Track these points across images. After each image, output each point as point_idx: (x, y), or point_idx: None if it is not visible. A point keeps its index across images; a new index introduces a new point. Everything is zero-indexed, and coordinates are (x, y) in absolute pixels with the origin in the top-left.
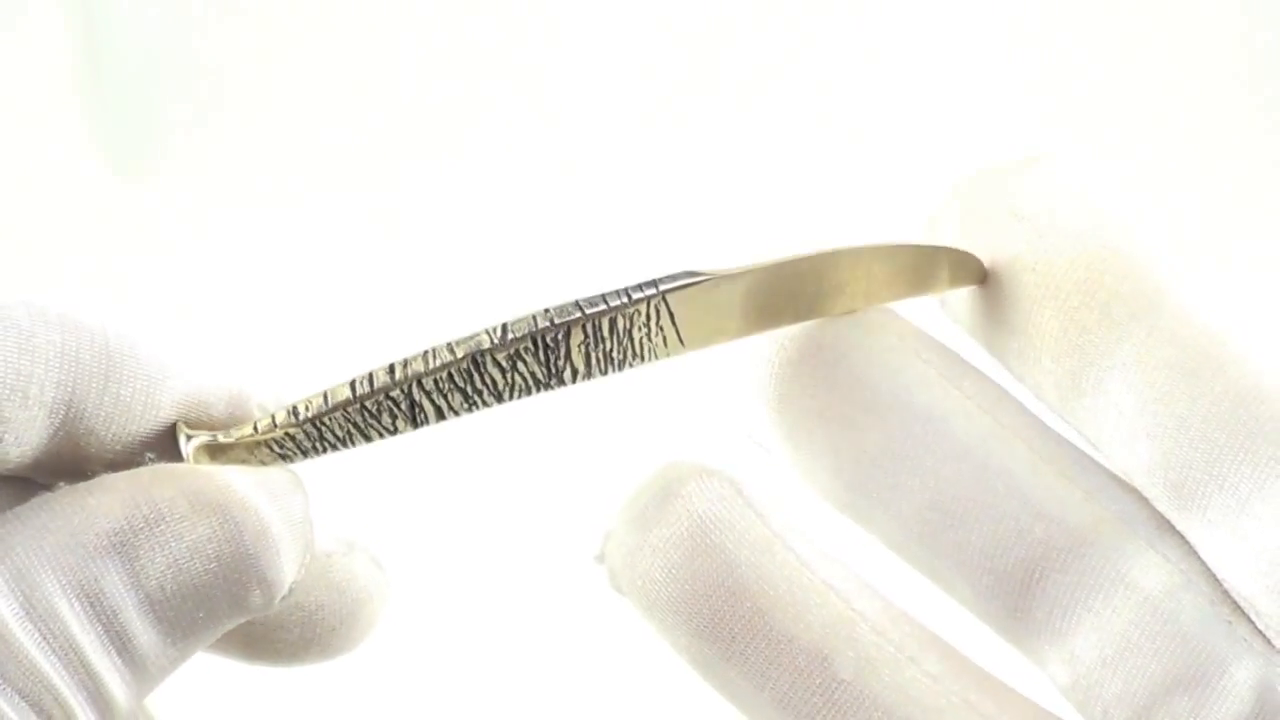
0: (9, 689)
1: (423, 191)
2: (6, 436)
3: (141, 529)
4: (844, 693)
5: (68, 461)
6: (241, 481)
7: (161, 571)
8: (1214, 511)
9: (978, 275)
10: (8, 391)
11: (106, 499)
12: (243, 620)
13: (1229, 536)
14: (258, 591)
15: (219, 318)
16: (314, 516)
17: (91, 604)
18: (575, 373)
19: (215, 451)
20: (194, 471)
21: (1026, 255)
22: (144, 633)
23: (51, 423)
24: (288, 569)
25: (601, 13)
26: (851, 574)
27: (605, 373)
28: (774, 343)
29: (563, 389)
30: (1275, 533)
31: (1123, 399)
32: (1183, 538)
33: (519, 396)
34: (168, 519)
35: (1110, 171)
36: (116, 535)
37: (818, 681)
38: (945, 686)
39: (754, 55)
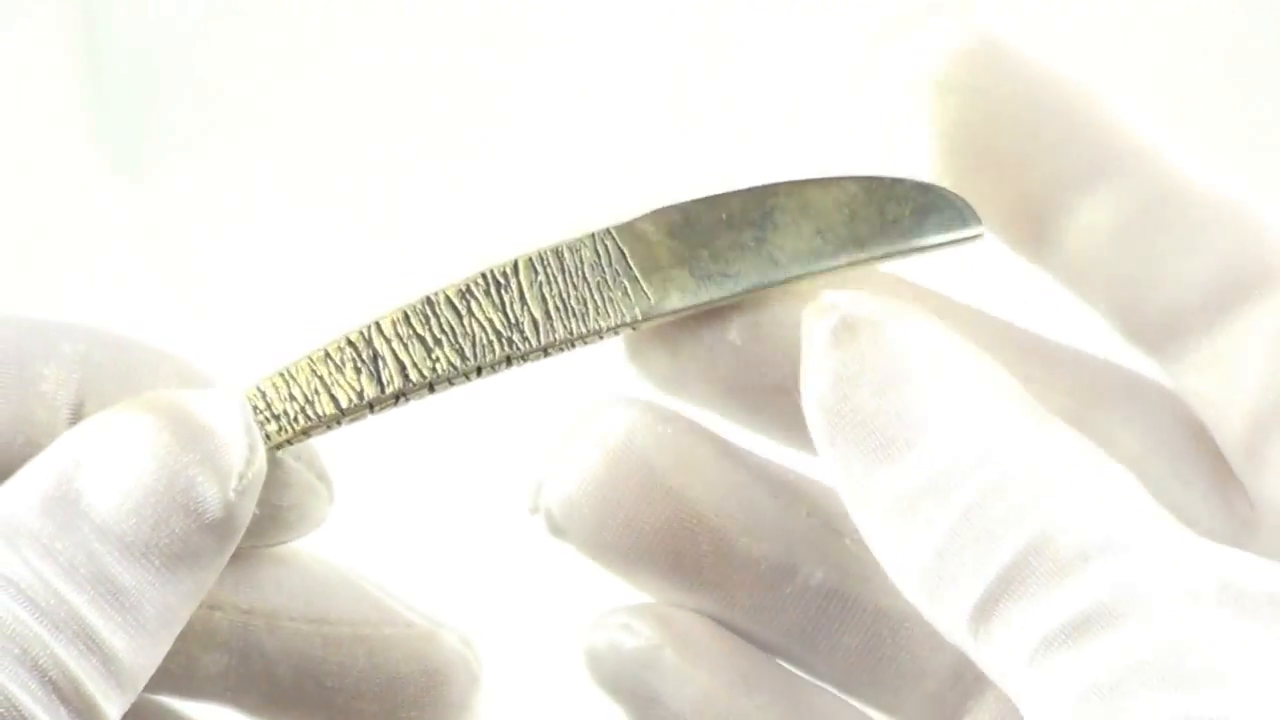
0: None
1: (423, 192)
2: (43, 440)
3: (75, 471)
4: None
5: None
6: (152, 394)
7: (107, 497)
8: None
9: (970, 218)
10: (36, 395)
11: (37, 459)
12: (217, 521)
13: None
14: (203, 478)
15: (219, 317)
16: (248, 411)
17: (55, 557)
18: (536, 325)
19: None
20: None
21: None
22: (122, 569)
23: (72, 423)
24: (232, 447)
25: (595, 15)
26: (789, 473)
27: (570, 330)
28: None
29: (532, 355)
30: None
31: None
32: None
33: (484, 357)
34: (97, 444)
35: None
36: (60, 479)
37: (789, 590)
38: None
39: (748, 54)
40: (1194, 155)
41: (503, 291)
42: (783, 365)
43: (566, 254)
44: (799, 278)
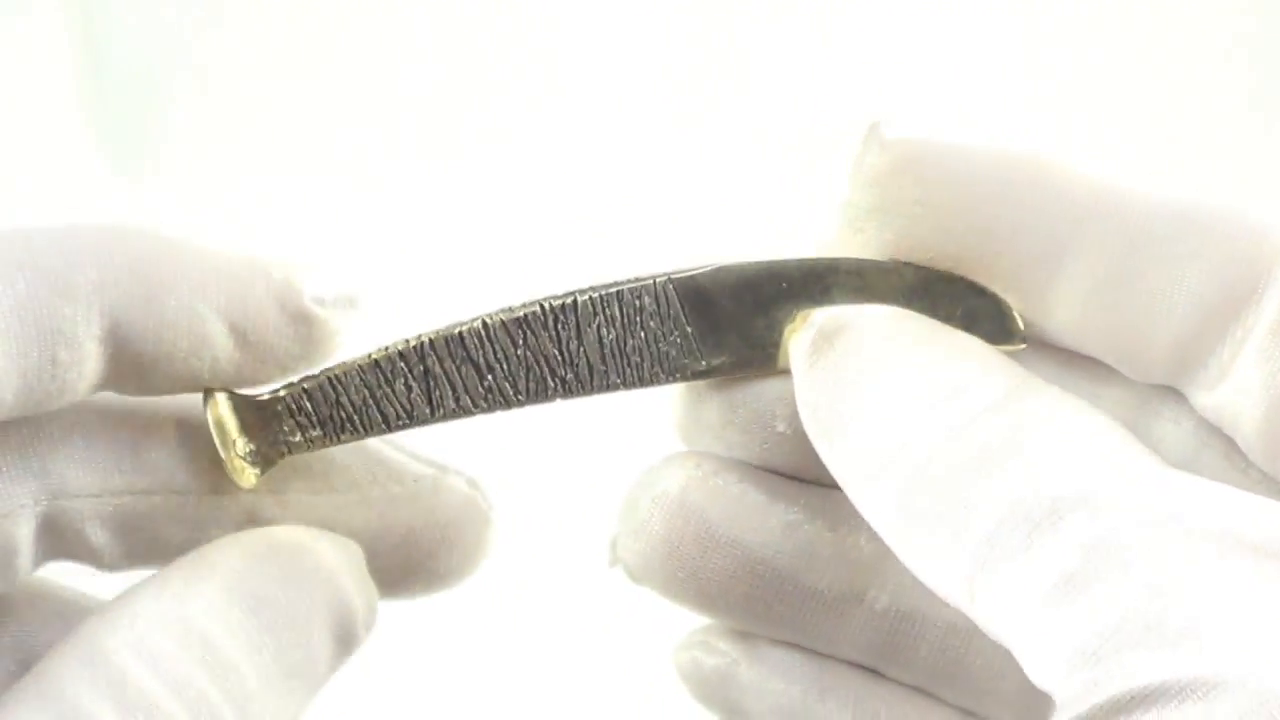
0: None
1: (424, 191)
2: (70, 375)
3: (245, 608)
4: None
5: (130, 377)
6: (313, 539)
7: (260, 648)
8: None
9: (1013, 331)
10: (53, 336)
11: (213, 580)
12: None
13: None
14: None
15: None
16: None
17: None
18: (591, 368)
19: (234, 404)
20: (278, 546)
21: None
22: (258, 679)
23: (105, 351)
24: (363, 609)
25: (597, 13)
26: (844, 503)
27: (625, 377)
28: None
29: (584, 393)
30: None
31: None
32: None
33: (536, 390)
34: (266, 589)
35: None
36: (233, 596)
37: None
38: None
39: (753, 55)
40: (1152, 176)
41: (560, 327)
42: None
43: (628, 297)
44: None
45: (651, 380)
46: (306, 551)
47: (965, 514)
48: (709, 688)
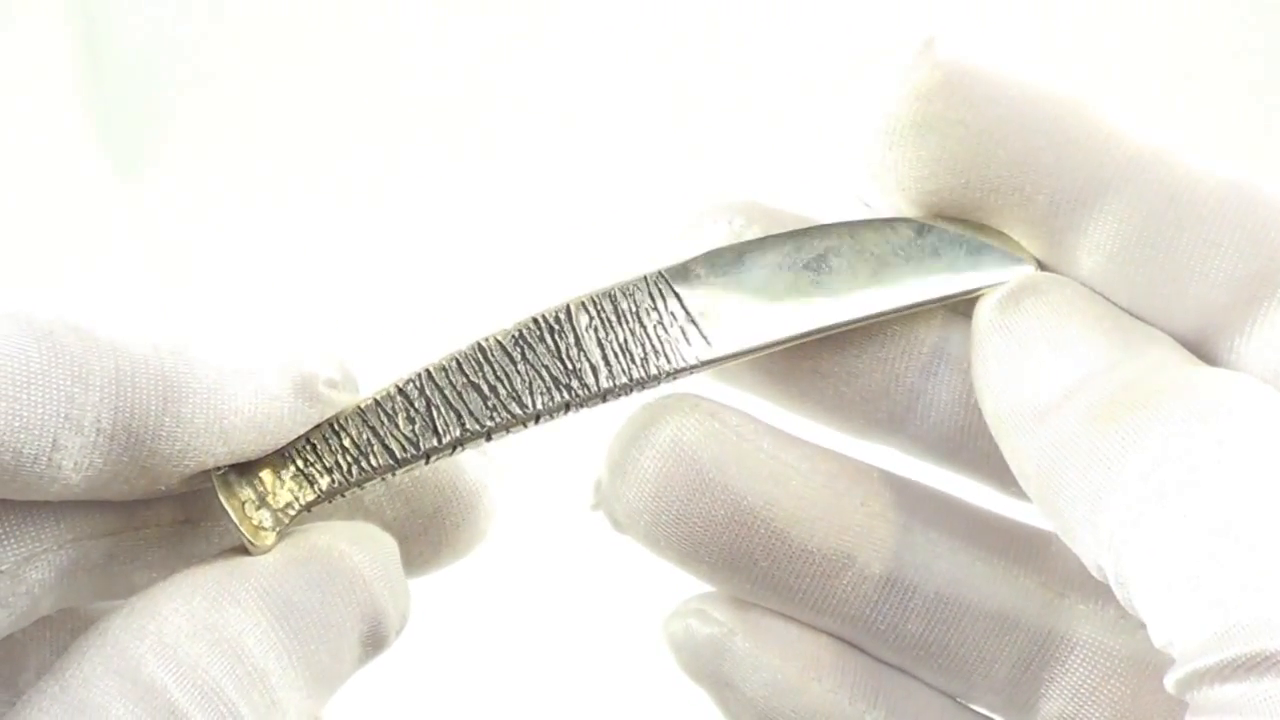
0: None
1: (423, 190)
2: (65, 463)
3: (285, 614)
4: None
5: (136, 480)
6: (349, 553)
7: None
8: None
9: (1020, 256)
10: (62, 420)
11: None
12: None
13: None
14: (384, 630)
15: (219, 317)
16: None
17: (242, 665)
18: (595, 371)
19: (244, 476)
20: (311, 558)
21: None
22: (285, 687)
23: (112, 447)
24: (394, 615)
25: (592, 12)
26: (844, 463)
27: (631, 376)
28: None
29: (591, 401)
30: None
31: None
32: None
33: (543, 405)
34: (305, 598)
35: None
36: (268, 604)
37: (847, 579)
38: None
39: (751, 53)
40: (1196, 147)
41: (557, 337)
42: (818, 350)
43: (620, 298)
44: (859, 321)
45: (658, 374)
46: (340, 557)
47: (1121, 456)
48: (701, 659)
